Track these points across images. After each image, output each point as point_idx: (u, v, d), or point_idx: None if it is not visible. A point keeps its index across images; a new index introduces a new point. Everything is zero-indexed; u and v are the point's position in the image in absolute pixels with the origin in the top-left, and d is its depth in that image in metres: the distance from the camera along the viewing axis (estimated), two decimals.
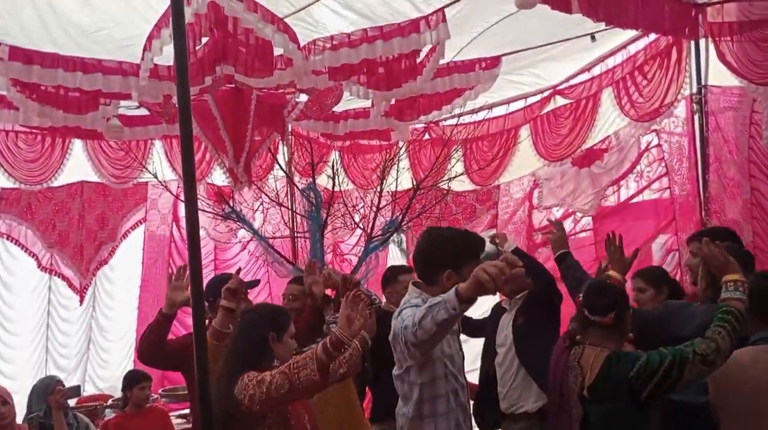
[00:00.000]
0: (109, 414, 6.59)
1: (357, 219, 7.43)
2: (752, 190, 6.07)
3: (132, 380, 6.03)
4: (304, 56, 5.03)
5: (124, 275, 8.97)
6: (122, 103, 5.64)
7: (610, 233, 4.45)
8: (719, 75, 6.07)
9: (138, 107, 6.14)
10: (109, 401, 6.98)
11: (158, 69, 4.94)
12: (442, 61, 5.41)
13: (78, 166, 7.54)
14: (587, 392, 3.30)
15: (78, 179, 7.90)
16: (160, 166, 7.76)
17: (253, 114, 6.07)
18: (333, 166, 7.50)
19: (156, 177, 7.19)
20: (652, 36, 6.26)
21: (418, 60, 5.32)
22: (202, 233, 8.29)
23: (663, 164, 6.62)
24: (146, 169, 7.36)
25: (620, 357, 3.26)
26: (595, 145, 7.09)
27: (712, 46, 5.96)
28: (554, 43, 6.32)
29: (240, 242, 8.50)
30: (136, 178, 7.80)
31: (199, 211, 7.17)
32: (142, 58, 4.63)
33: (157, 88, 5.04)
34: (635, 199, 7.08)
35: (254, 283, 5.43)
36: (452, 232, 3.45)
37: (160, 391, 7.30)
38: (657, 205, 6.77)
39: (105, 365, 8.82)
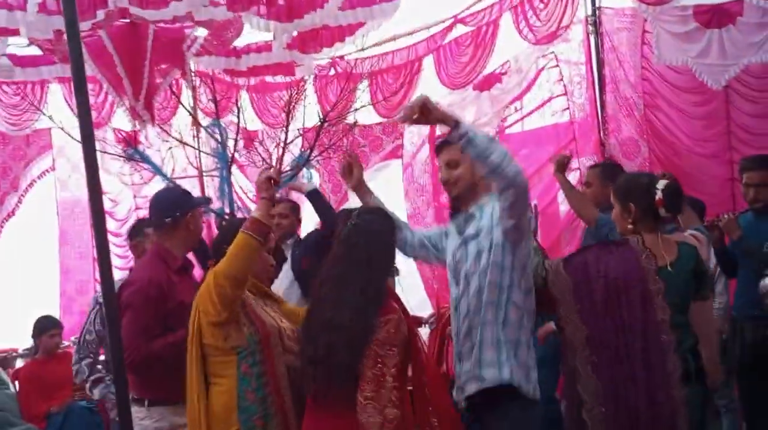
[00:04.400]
0: (20, 364, 6.49)
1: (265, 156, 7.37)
2: (645, 107, 6.33)
3: (41, 327, 5.97)
4: None
5: (36, 228, 8.73)
6: (11, 40, 5.41)
7: None
8: None
9: (29, 45, 5.89)
10: (20, 350, 6.85)
11: (47, 3, 4.76)
12: None
13: None
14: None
15: None
16: (60, 112, 7.53)
17: (150, 50, 5.90)
18: (237, 102, 7.40)
19: (52, 119, 6.94)
20: None
21: None
22: (113, 179, 8.25)
23: (562, 86, 6.79)
24: (42, 112, 7.11)
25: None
26: (495, 70, 7.20)
27: None
28: None
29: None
30: (33, 122, 7.52)
31: (104, 155, 7.06)
32: None
33: (47, 23, 4.84)
34: (536, 126, 7.26)
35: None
36: None
37: (72, 338, 7.19)
38: (557, 129, 6.96)
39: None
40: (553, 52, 6.74)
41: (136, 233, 4.76)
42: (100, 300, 4.18)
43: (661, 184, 3.46)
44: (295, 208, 5.71)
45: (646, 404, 3.11)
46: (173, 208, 3.63)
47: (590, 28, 6.42)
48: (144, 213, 8.91)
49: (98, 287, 8.62)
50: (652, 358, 3.14)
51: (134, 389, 3.50)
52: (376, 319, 2.78)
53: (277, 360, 3.12)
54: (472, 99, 7.28)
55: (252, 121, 8.22)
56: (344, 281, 2.87)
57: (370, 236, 2.96)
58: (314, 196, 4.63)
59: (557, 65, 6.77)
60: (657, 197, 3.42)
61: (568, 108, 6.78)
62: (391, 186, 8.38)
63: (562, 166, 5.01)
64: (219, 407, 3.07)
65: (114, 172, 8.27)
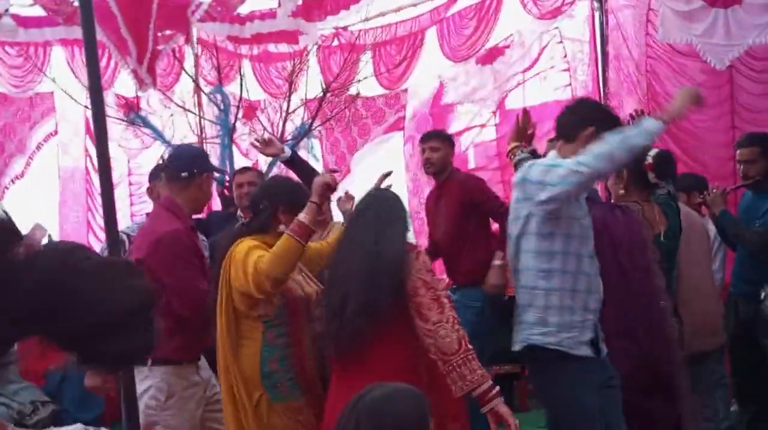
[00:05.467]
0: None
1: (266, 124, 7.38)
2: (648, 85, 6.33)
3: None
4: None
5: (40, 191, 8.75)
6: (16, 0, 5.41)
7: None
8: None
9: (32, 5, 5.89)
10: None
11: None
12: None
13: None
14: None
15: None
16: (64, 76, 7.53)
17: (155, 13, 5.90)
18: (240, 70, 7.39)
19: (55, 82, 6.95)
20: None
21: None
22: (112, 144, 8.24)
23: (565, 62, 6.78)
24: (45, 74, 7.11)
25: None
26: (498, 43, 7.19)
27: None
28: None
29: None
30: (37, 84, 7.52)
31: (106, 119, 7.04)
32: None
33: None
34: (538, 101, 7.26)
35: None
36: None
37: None
38: (558, 105, 6.95)
39: None
40: (557, 28, 6.73)
41: (154, 176, 4.56)
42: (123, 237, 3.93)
43: (653, 151, 3.54)
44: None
45: (648, 366, 3.18)
46: (190, 164, 3.57)
47: (595, 4, 6.40)
48: (136, 179, 8.96)
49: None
50: (654, 323, 3.20)
51: None
52: (405, 254, 2.82)
53: (303, 332, 3.13)
54: (474, 72, 7.29)
55: (254, 91, 8.21)
56: (356, 236, 2.94)
57: (383, 202, 3.04)
58: (293, 161, 4.38)
59: (561, 42, 6.76)
60: (647, 162, 3.50)
61: (570, 84, 6.78)
62: (393, 160, 8.42)
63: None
64: (247, 367, 3.08)
65: (114, 138, 8.27)
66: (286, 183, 3.48)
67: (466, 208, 4.82)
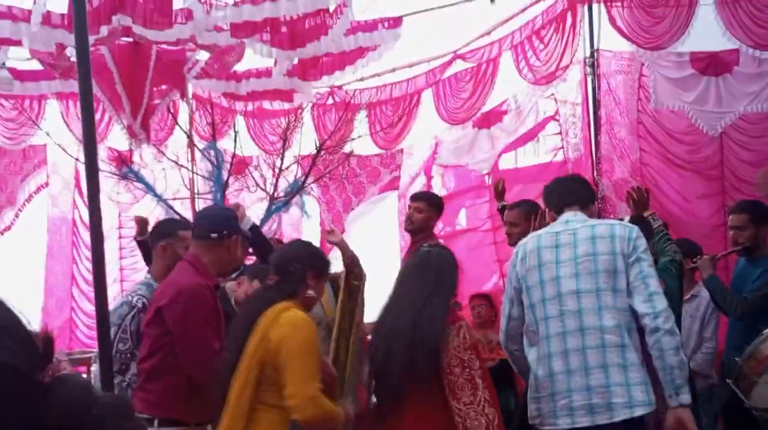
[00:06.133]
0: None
1: (260, 181, 7.38)
2: (640, 150, 6.38)
3: None
4: (205, 11, 4.98)
5: (29, 243, 8.71)
6: (12, 54, 5.44)
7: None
8: (611, 39, 6.33)
9: (29, 59, 5.93)
10: None
11: (51, 16, 4.79)
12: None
13: None
14: None
15: None
16: (57, 129, 7.56)
17: (152, 70, 5.94)
18: (234, 127, 7.43)
19: (48, 135, 6.96)
20: (549, 0, 6.45)
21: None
22: (102, 196, 8.22)
23: (558, 127, 6.84)
24: (39, 127, 7.14)
25: None
26: (494, 107, 7.26)
27: (604, 12, 6.20)
28: (455, 4, 6.43)
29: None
30: (30, 137, 7.54)
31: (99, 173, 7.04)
32: (34, 2, 4.48)
33: (50, 36, 4.87)
34: (530, 163, 7.31)
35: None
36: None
37: (55, 355, 7.12)
38: (550, 167, 7.00)
39: None
40: (552, 94, 6.79)
41: (167, 234, 4.01)
42: (135, 302, 3.71)
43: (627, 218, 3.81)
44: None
45: None
46: (220, 225, 3.47)
47: (588, 69, 6.47)
48: (126, 232, 8.89)
49: (83, 304, 8.63)
50: None
51: (144, 405, 3.24)
52: (445, 328, 2.89)
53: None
54: (471, 136, 7.36)
55: (247, 147, 8.23)
56: (406, 295, 3.02)
57: (442, 259, 3.14)
58: (254, 230, 4.39)
59: (556, 111, 6.84)
60: None
61: (562, 147, 6.82)
62: (387, 219, 8.45)
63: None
64: None
65: (105, 191, 8.26)
66: (313, 247, 3.38)
67: None
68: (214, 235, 3.41)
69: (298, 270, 3.06)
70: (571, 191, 3.39)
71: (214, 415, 3.27)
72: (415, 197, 5.33)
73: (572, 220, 3.21)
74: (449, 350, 2.81)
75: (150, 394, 3.27)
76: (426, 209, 5.01)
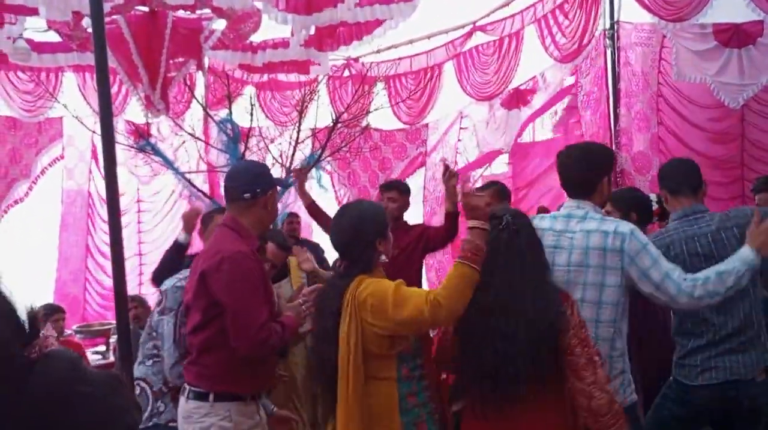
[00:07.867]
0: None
1: (276, 154, 7.34)
2: (659, 124, 6.30)
3: (46, 312, 5.93)
4: None
5: (42, 215, 8.76)
6: (31, 24, 5.43)
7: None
8: (631, 11, 6.23)
9: (47, 30, 5.91)
10: None
11: None
12: None
13: None
14: None
15: None
16: (74, 101, 7.57)
17: (168, 39, 5.90)
18: (250, 100, 7.38)
19: (66, 107, 6.96)
20: None
21: None
22: (121, 170, 8.27)
23: (576, 100, 6.77)
24: (56, 99, 7.12)
25: None
26: (521, 84, 7.18)
27: None
28: None
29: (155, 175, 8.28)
30: (47, 110, 7.56)
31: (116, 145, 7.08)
32: None
33: (66, 4, 4.84)
34: (549, 137, 7.25)
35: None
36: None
37: (74, 327, 7.18)
38: (568, 141, 6.93)
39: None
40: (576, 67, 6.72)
41: (210, 219, 4.20)
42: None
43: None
44: None
45: None
46: (253, 184, 3.24)
47: (607, 41, 6.39)
48: (144, 206, 8.96)
49: (98, 276, 8.67)
50: None
51: (197, 379, 3.15)
52: (564, 313, 2.68)
53: (431, 362, 2.99)
54: (502, 118, 7.31)
55: (263, 119, 8.22)
56: (505, 284, 2.72)
57: (526, 234, 2.81)
58: None
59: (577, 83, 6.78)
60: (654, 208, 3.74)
61: (579, 120, 6.76)
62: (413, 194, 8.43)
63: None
64: (379, 408, 2.84)
65: (123, 163, 8.29)
66: (365, 217, 2.99)
67: (412, 252, 5.14)
68: (247, 195, 3.22)
69: (370, 243, 2.89)
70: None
71: (270, 385, 3.31)
72: (386, 187, 5.40)
73: (574, 215, 3.06)
74: (568, 332, 2.65)
75: (204, 368, 3.15)
76: (399, 198, 5.25)
